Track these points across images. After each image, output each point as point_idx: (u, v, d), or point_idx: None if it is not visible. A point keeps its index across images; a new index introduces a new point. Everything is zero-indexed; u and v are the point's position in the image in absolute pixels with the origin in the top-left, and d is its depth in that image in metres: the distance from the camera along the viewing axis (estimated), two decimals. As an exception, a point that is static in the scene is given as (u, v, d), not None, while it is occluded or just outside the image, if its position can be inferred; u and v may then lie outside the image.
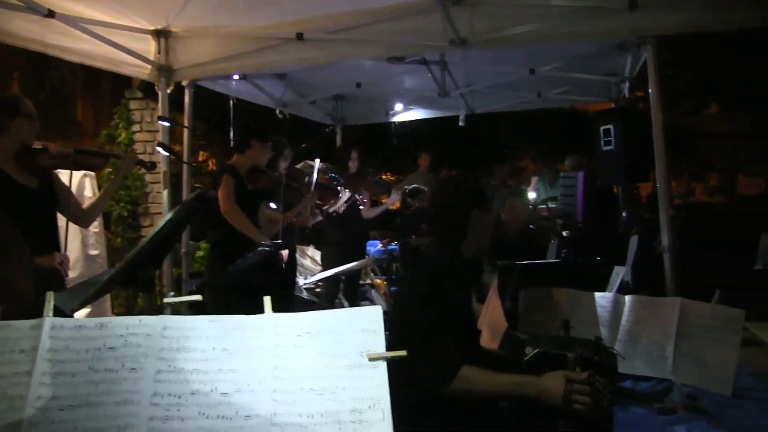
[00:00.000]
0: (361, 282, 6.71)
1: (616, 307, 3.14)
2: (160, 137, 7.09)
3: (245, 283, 3.71)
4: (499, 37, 4.26)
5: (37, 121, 3.20)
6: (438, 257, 2.49)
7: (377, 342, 1.56)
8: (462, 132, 8.63)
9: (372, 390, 1.49)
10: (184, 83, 5.21)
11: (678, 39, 8.03)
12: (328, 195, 5.13)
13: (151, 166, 3.72)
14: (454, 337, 2.20)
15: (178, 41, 4.99)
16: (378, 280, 6.85)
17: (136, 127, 7.61)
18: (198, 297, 1.59)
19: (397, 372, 1.51)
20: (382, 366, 1.52)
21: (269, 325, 1.59)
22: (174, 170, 5.97)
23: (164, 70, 5.01)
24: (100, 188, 7.09)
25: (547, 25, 4.14)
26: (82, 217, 3.47)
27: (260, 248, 3.37)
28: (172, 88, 5.12)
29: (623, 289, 3.87)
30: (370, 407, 1.46)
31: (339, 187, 5.26)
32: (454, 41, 4.30)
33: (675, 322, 3.00)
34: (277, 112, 6.83)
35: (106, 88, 9.02)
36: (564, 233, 6.64)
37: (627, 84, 6.30)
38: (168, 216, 1.68)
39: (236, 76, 5.74)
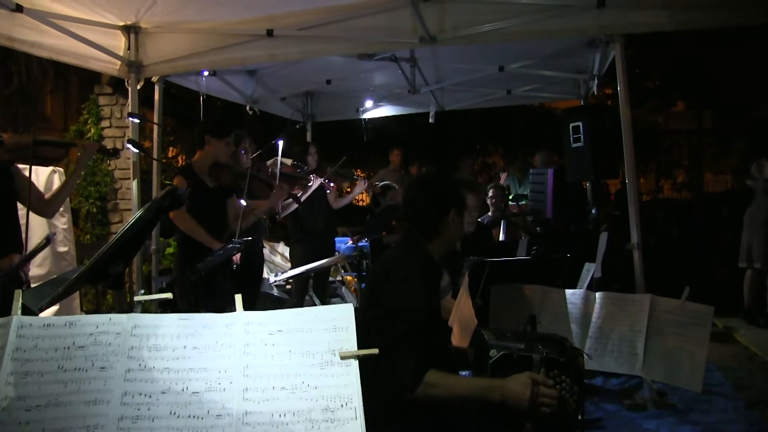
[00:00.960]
0: (332, 279, 6.70)
1: (587, 303, 3.18)
2: (129, 133, 7.02)
3: (214, 281, 3.69)
4: (469, 34, 4.29)
5: None
6: (407, 256, 2.45)
7: (349, 340, 1.58)
8: (432, 129, 8.66)
9: (344, 388, 1.50)
10: (154, 79, 5.15)
11: (644, 37, 8.15)
12: (295, 183, 5.11)
13: (114, 153, 3.64)
14: (420, 341, 2.18)
15: (148, 37, 4.92)
16: (349, 277, 6.85)
17: (105, 123, 7.52)
18: (168, 295, 1.59)
19: (361, 374, 1.51)
20: (354, 364, 1.53)
21: (240, 323, 1.59)
22: (144, 167, 5.90)
23: (134, 65, 4.94)
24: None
25: (516, 23, 4.18)
26: (44, 209, 3.34)
27: (230, 245, 3.34)
28: (141, 83, 5.06)
29: (593, 286, 3.93)
30: (342, 406, 1.47)
31: (305, 175, 5.26)
32: (423, 38, 4.32)
33: (645, 319, 3.03)
34: (247, 108, 6.78)
35: (76, 84, 8.87)
36: (537, 229, 6.73)
37: (596, 81, 6.38)
38: (138, 213, 1.67)
39: (206, 73, 5.69)
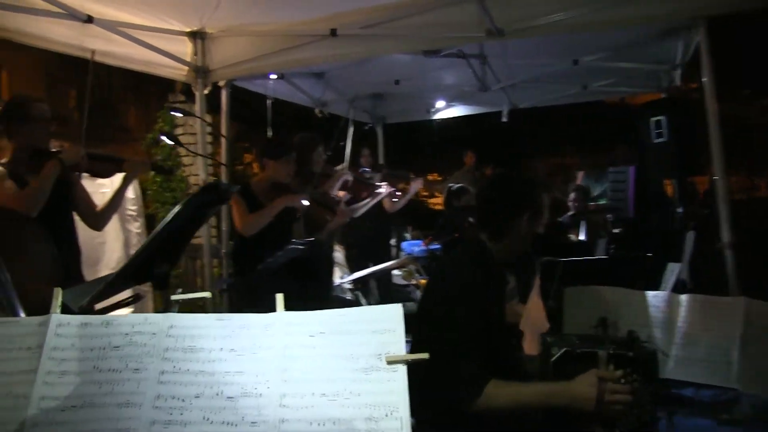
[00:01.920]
0: (406, 283, 6.58)
1: (671, 307, 2.88)
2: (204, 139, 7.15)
3: (276, 283, 3.64)
4: (537, 26, 4.08)
5: (51, 124, 3.15)
6: (469, 258, 2.30)
7: (397, 343, 1.44)
8: (506, 128, 8.45)
9: (389, 396, 1.37)
10: (221, 84, 5.19)
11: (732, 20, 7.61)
12: (365, 189, 5.06)
13: (169, 171, 3.67)
14: (481, 349, 2.04)
15: (214, 42, 4.97)
16: (423, 281, 6.71)
17: (179, 130, 7.65)
18: (207, 294, 1.50)
19: (416, 379, 1.38)
20: (402, 370, 1.40)
21: (279, 324, 1.49)
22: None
23: (200, 71, 4.99)
24: (144, 191, 7.20)
25: (586, 11, 3.94)
26: (94, 221, 3.41)
27: (291, 247, 3.27)
28: (209, 89, 5.11)
29: (679, 288, 3.64)
30: (386, 415, 1.34)
31: (375, 182, 5.21)
32: (490, 31, 4.15)
33: (740, 325, 2.73)
34: (316, 111, 6.77)
35: (155, 94, 9.16)
36: (615, 230, 6.41)
37: (679, 71, 6.00)
38: (176, 209, 1.60)
39: (273, 76, 5.71)
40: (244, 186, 4.25)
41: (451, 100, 7.55)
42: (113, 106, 8.94)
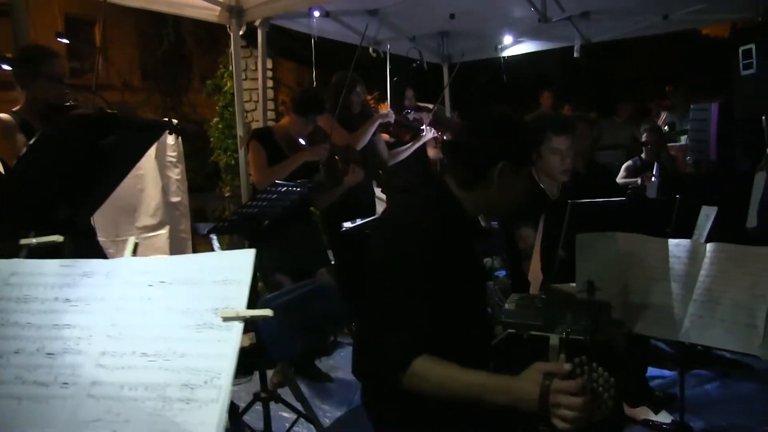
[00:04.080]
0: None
1: (694, 257, 2.47)
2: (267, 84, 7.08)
3: (287, 228, 3.53)
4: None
5: (63, 81, 2.95)
6: (424, 203, 1.94)
7: (238, 297, 1.23)
8: (587, 66, 7.81)
9: (215, 360, 1.16)
10: (257, 23, 5.01)
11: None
12: (405, 132, 4.79)
13: (181, 131, 3.62)
14: (417, 313, 1.68)
15: (247, -22, 4.78)
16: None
17: (241, 76, 7.59)
18: (59, 237, 1.34)
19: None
20: (237, 329, 1.19)
21: (122, 272, 1.31)
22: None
23: (234, 10, 4.82)
24: (208, 138, 7.22)
25: None
26: None
27: (283, 188, 3.05)
28: (244, 29, 4.95)
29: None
30: (205, 383, 1.13)
31: (418, 125, 4.91)
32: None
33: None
34: (370, 50, 6.45)
35: (224, 41, 9.14)
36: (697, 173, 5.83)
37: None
38: (28, 145, 1.43)
39: (317, 13, 5.46)
40: (265, 131, 4.10)
41: (519, 36, 7.00)
42: (185, 55, 9.01)
